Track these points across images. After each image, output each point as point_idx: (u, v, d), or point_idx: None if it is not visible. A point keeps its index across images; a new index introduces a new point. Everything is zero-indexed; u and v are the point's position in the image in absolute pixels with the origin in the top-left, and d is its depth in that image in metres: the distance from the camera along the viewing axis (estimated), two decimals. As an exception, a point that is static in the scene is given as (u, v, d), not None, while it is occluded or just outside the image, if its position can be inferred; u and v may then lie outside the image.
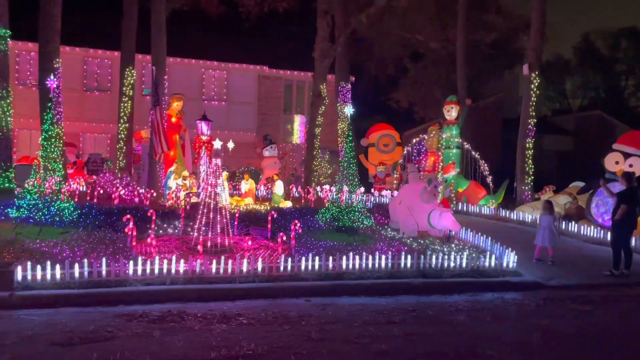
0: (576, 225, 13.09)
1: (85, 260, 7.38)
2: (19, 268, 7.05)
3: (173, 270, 7.62)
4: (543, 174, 21.03)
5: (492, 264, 8.99)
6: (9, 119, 12.87)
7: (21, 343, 5.30)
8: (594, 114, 34.19)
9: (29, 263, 7.19)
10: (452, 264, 8.79)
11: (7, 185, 12.48)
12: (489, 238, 10.19)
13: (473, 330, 6.28)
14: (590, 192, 13.66)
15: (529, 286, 8.52)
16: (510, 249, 9.26)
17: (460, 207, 16.73)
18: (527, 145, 17.59)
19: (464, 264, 8.84)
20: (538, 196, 16.66)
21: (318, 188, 17.10)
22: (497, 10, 27.88)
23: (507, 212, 15.49)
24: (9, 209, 9.89)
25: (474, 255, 9.16)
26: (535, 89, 17.61)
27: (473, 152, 18.05)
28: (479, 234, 10.65)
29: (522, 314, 7.12)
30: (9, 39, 12.98)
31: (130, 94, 17.43)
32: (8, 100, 12.78)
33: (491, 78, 30.04)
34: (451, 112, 18.86)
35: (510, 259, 9.09)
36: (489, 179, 17.64)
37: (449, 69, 26.74)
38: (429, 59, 29.71)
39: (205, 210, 9.31)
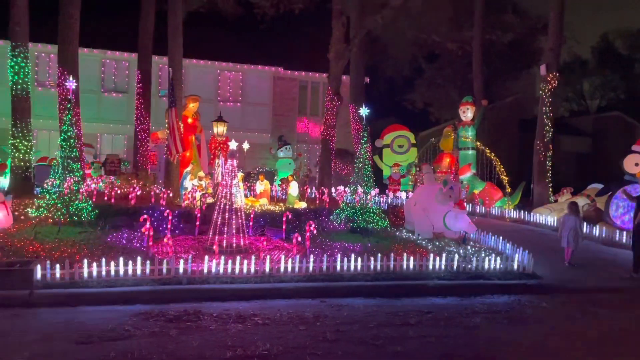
0: (594, 227, 12.91)
1: (103, 260, 7.47)
2: (39, 267, 7.16)
3: (189, 270, 7.68)
4: (560, 175, 20.77)
5: (509, 266, 8.90)
6: (29, 120, 13.12)
7: (41, 341, 5.38)
8: (613, 115, 33.67)
9: (48, 262, 7.30)
10: (468, 266, 8.73)
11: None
12: (505, 240, 10.10)
13: (490, 333, 6.22)
14: (609, 194, 13.46)
15: (547, 289, 8.42)
16: (527, 251, 9.16)
17: (476, 209, 16.60)
18: (545, 146, 17.40)
19: (479, 266, 8.77)
20: (555, 198, 16.47)
21: (332, 189, 17.10)
22: (514, 10, 27.64)
23: (524, 214, 15.33)
24: (28, 209, 10.06)
25: (490, 257, 9.07)
26: (552, 90, 17.41)
27: (489, 154, 17.90)
28: (495, 235, 10.56)
29: (540, 317, 7.03)
30: (28, 41, 13.23)
31: (147, 95, 17.59)
32: (28, 102, 13.03)
33: (508, 78, 29.75)
34: (467, 112, 18.72)
35: (527, 262, 8.99)
36: (506, 181, 17.48)
37: (465, 70, 26.58)
38: (444, 59, 29.54)
39: (220, 211, 9.37)
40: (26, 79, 13.17)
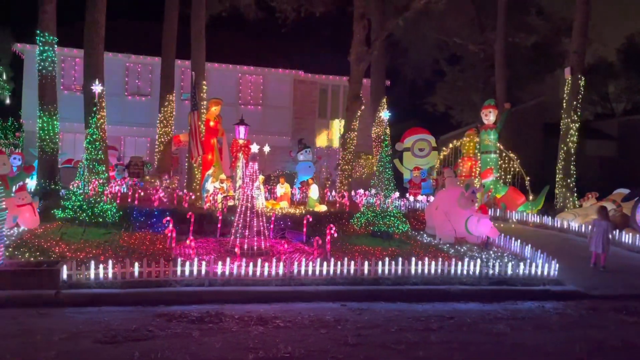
0: (621, 233, 12.65)
1: (127, 261, 7.58)
2: (65, 267, 7.30)
3: (211, 272, 7.74)
4: (585, 180, 20.36)
5: (532, 272, 8.78)
6: (55, 122, 13.39)
7: (67, 340, 5.48)
8: (639, 118, 32.96)
9: (74, 262, 7.44)
10: (490, 272, 8.64)
11: (53, 186, 12.98)
12: (529, 245, 9.95)
13: (513, 339, 6.14)
14: (635, 200, 13.18)
15: (571, 296, 8.28)
16: (551, 256, 9.02)
17: (498, 213, 16.40)
18: (569, 150, 17.11)
19: (502, 272, 8.66)
20: (580, 203, 16.18)
21: (352, 192, 17.07)
22: (538, 12, 27.25)
23: (548, 219, 15.09)
24: (55, 210, 10.26)
25: (513, 262, 8.95)
26: (577, 93, 17.13)
27: (512, 157, 17.68)
28: (518, 241, 10.42)
29: (564, 324, 6.91)
30: (55, 46, 13.53)
31: (170, 98, 17.82)
32: (55, 105, 13.31)
33: (531, 81, 29.32)
34: (489, 116, 18.52)
35: (551, 267, 8.85)
36: (529, 185, 17.24)
37: (487, 72, 26.29)
38: (466, 62, 29.28)
39: (242, 214, 9.43)
40: (53, 83, 13.45)
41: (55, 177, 13.38)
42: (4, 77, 29.61)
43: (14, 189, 10.02)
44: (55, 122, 13.40)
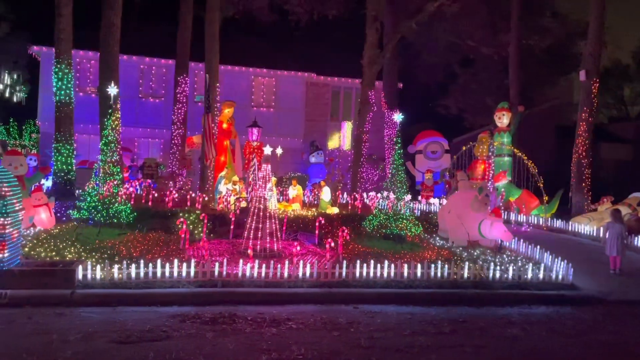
0: (636, 238, 12.48)
1: (142, 261, 7.64)
2: (80, 267, 7.39)
3: (224, 273, 7.78)
4: (600, 183, 20.14)
5: (547, 276, 8.70)
6: (71, 124, 13.57)
7: (82, 340, 5.54)
8: (655, 122, 32.57)
9: (89, 263, 7.53)
10: (504, 275, 8.58)
11: (68, 187, 13.14)
12: (543, 249, 9.87)
13: (527, 344, 6.09)
14: (652, 204, 13.00)
15: (586, 300, 8.19)
16: (565, 261, 8.94)
17: (511, 217, 16.28)
18: (583, 153, 16.95)
19: (516, 276, 8.60)
20: (595, 207, 15.99)
21: (364, 194, 17.06)
22: (552, 15, 27.03)
23: (562, 222, 14.95)
24: (70, 210, 10.38)
25: (526, 266, 8.89)
26: (592, 96, 16.97)
27: (525, 160, 17.54)
28: (532, 244, 10.34)
29: (580, 329, 6.84)
30: (72, 48, 13.70)
31: (184, 100, 17.96)
32: (71, 107, 13.48)
33: (545, 84, 29.08)
34: (503, 119, 18.41)
35: (566, 272, 8.77)
36: (542, 188, 17.08)
37: (500, 75, 26.14)
38: (479, 64, 29.10)
39: (254, 215, 9.47)
40: (69, 85, 13.63)
41: (70, 178, 13.53)
42: (21, 79, 30.03)
43: (30, 190, 10.16)
44: (70, 125, 13.56)
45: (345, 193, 17.76)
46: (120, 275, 7.46)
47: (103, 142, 10.59)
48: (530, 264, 9.03)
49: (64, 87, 13.43)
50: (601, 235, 12.56)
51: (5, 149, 18.92)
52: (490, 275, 8.53)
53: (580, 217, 15.25)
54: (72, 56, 13.84)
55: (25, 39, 27.34)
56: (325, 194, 14.59)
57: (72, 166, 13.60)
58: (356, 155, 19.51)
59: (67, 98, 13.45)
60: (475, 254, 10.08)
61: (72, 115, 13.60)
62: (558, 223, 15.06)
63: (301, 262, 8.26)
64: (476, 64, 29.58)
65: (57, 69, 13.48)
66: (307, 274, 8.05)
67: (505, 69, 23.41)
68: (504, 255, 10.06)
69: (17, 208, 7.36)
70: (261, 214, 9.55)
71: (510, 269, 8.69)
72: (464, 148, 19.03)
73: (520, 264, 9.19)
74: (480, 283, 8.34)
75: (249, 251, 8.95)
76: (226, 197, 12.87)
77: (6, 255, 7.06)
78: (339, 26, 26.77)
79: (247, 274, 7.87)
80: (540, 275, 8.68)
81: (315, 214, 12.97)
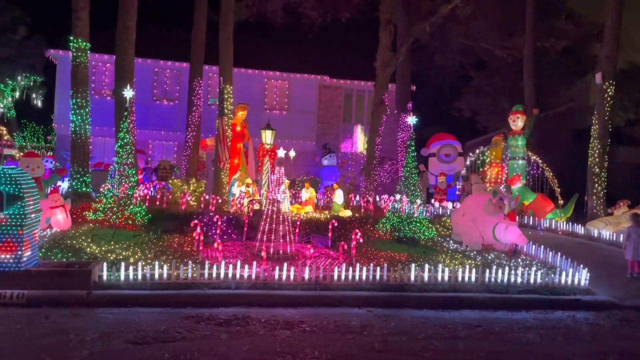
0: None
1: (156, 263, 7.70)
2: (96, 268, 7.46)
3: (238, 275, 7.82)
4: (616, 187, 19.91)
5: (562, 280, 8.61)
6: (87, 126, 13.72)
7: (99, 340, 5.60)
8: (673, 125, 32.02)
9: (104, 264, 7.60)
10: (519, 280, 8.50)
11: (84, 189, 13.27)
12: (558, 253, 9.77)
13: (543, 349, 6.03)
14: (670, 208, 12.81)
15: (603, 306, 8.09)
16: (581, 265, 8.84)
17: (526, 221, 16.13)
18: (599, 157, 16.74)
19: (531, 280, 8.52)
20: (611, 211, 15.79)
21: (377, 197, 17.03)
22: (568, 16, 26.79)
23: (577, 227, 14.78)
24: (86, 212, 10.49)
25: (542, 271, 8.80)
26: (608, 99, 16.78)
27: (540, 164, 17.39)
28: (547, 249, 10.23)
29: (596, 335, 6.76)
30: (88, 52, 13.88)
31: (198, 103, 18.07)
32: (87, 109, 13.63)
33: (561, 87, 28.81)
34: (517, 122, 18.28)
35: (582, 276, 8.67)
36: (558, 192, 16.92)
37: (514, 78, 25.96)
38: (493, 67, 28.95)
39: (268, 218, 9.50)
40: (85, 88, 13.78)
41: (86, 180, 13.67)
42: (38, 82, 30.43)
43: (47, 191, 10.29)
44: (87, 126, 13.71)
45: (358, 196, 17.74)
46: (135, 277, 7.52)
47: (118, 144, 10.69)
48: (546, 269, 8.94)
49: (80, 89, 13.58)
50: (621, 239, 12.42)
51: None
52: (505, 279, 8.46)
53: (596, 221, 15.06)
54: (88, 59, 14.00)
55: (42, 42, 27.73)
56: (338, 196, 14.58)
57: (87, 168, 13.74)
58: (369, 157, 19.47)
59: (83, 101, 13.60)
60: (490, 257, 10.00)
61: (88, 117, 13.75)
62: (574, 227, 14.89)
63: (314, 265, 8.25)
64: (490, 67, 29.44)
65: (73, 72, 13.64)
66: (321, 277, 8.04)
67: (519, 71, 23.25)
68: (519, 260, 9.97)
69: (35, 209, 7.46)
70: (274, 216, 9.58)
71: (525, 273, 8.61)
72: (477, 151, 18.92)
73: (535, 268, 9.10)
74: (495, 287, 8.27)
75: (263, 253, 8.98)
76: (239, 199, 12.92)
77: (28, 254, 7.17)
78: (352, 29, 26.81)
79: (261, 276, 7.89)
80: (556, 280, 8.59)
81: (328, 216, 12.97)
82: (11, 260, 7.04)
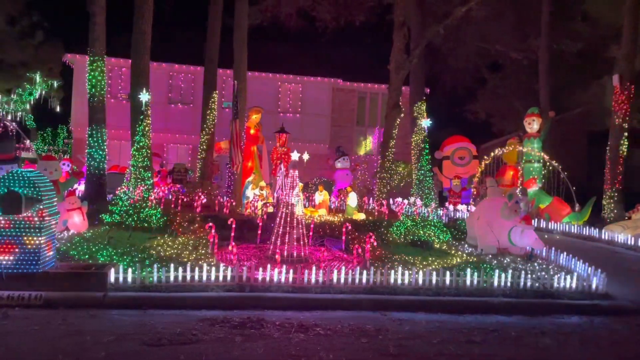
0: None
1: (171, 265, 7.75)
2: (112, 270, 7.53)
3: (252, 278, 7.83)
4: (634, 191, 19.61)
5: (579, 285, 8.50)
6: (103, 130, 13.88)
7: (115, 342, 5.64)
8: (692, 127, 31.47)
9: (120, 266, 7.67)
10: (535, 284, 8.41)
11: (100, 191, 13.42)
12: (575, 258, 9.65)
13: (561, 355, 5.96)
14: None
15: (621, 311, 7.96)
16: (599, 270, 8.71)
17: (542, 224, 15.97)
18: (617, 160, 16.53)
19: (548, 284, 8.42)
20: (629, 215, 15.57)
21: (391, 200, 16.97)
22: (584, 18, 26.51)
23: (594, 230, 14.59)
24: (103, 214, 10.60)
25: (558, 275, 8.69)
26: (625, 100, 16.56)
27: (556, 167, 17.21)
28: (564, 253, 10.11)
29: (615, 340, 6.66)
30: (105, 56, 14.05)
31: (212, 106, 18.19)
32: (103, 113, 13.78)
33: (577, 89, 28.52)
34: (532, 124, 18.13)
35: (600, 281, 8.54)
36: (574, 195, 16.72)
37: (529, 80, 25.75)
38: (508, 69, 28.75)
39: (281, 221, 9.52)
40: (102, 92, 13.95)
41: (102, 183, 13.83)
42: (55, 86, 30.88)
43: (64, 194, 10.42)
44: (103, 130, 13.87)
45: (371, 199, 17.71)
46: (150, 279, 7.58)
47: (135, 147, 10.81)
48: (562, 273, 8.84)
49: (97, 93, 13.76)
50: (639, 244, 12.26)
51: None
52: (521, 283, 8.37)
53: (613, 225, 14.87)
54: (105, 64, 14.17)
55: (59, 47, 28.15)
56: (352, 199, 14.58)
57: (104, 171, 13.89)
58: (383, 160, 19.42)
59: (100, 104, 13.76)
60: (505, 261, 9.91)
61: (104, 120, 13.91)
62: (590, 231, 14.71)
63: (328, 268, 8.25)
64: (505, 69, 29.25)
65: (90, 76, 13.82)
66: (335, 280, 8.03)
67: (534, 73, 23.06)
68: (535, 264, 9.87)
69: (53, 212, 7.56)
70: (288, 219, 9.59)
71: (542, 277, 8.51)
72: (492, 154, 18.78)
73: (552, 272, 9.00)
74: (511, 291, 8.19)
75: (277, 256, 8.99)
76: (253, 202, 12.97)
77: (46, 255, 7.26)
78: (366, 31, 26.80)
79: (275, 279, 7.91)
80: (573, 284, 8.48)
81: (342, 219, 12.96)
82: (29, 262, 7.13)
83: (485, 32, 26.06)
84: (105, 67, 14.17)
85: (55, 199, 7.83)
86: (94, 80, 13.79)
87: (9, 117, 29.20)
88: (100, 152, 13.88)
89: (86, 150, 14.16)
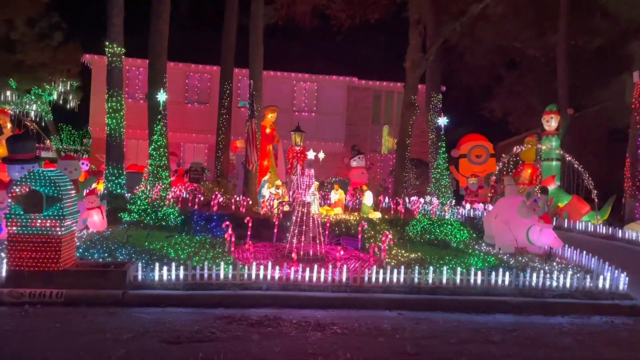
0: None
1: (189, 263, 7.82)
2: (131, 268, 7.62)
3: (269, 277, 7.87)
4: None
5: (600, 285, 8.38)
6: (122, 129, 14.03)
7: (134, 339, 5.71)
8: None
9: (139, 264, 7.76)
10: (554, 283, 8.32)
11: (119, 191, 13.57)
12: (595, 257, 9.51)
13: (581, 355, 5.88)
14: None
15: (643, 311, 7.84)
16: (619, 269, 8.58)
17: (561, 223, 15.76)
18: (637, 157, 16.24)
19: (567, 284, 8.33)
20: (650, 213, 15.30)
21: (407, 199, 16.91)
22: (603, 14, 26.05)
23: (615, 229, 14.36)
24: (121, 213, 10.73)
25: (578, 275, 8.58)
26: (647, 97, 16.26)
27: (575, 165, 16.97)
28: (583, 252, 9.97)
29: (636, 341, 6.56)
30: (122, 56, 14.20)
31: (228, 106, 18.27)
32: (122, 113, 13.94)
33: (596, 86, 28.07)
34: (551, 122, 17.90)
35: (621, 281, 8.42)
36: (594, 194, 16.48)
37: (547, 77, 25.40)
38: (525, 66, 28.40)
39: (297, 219, 9.54)
40: (120, 92, 14.10)
41: (121, 182, 13.98)
42: (74, 87, 31.31)
43: (84, 193, 10.57)
44: (121, 129, 14.02)
45: (387, 197, 17.65)
46: (168, 277, 7.65)
47: (152, 147, 10.91)
48: (582, 272, 8.72)
49: (115, 93, 13.91)
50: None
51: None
52: (540, 283, 8.29)
53: (634, 224, 14.61)
54: (123, 64, 14.32)
55: (78, 48, 28.52)
56: (368, 198, 14.54)
57: (122, 170, 14.05)
58: (399, 159, 19.35)
59: (118, 105, 13.91)
60: (523, 261, 9.81)
61: (122, 120, 14.06)
62: (610, 230, 14.48)
63: (344, 267, 8.25)
64: (522, 66, 28.89)
65: (108, 77, 13.98)
66: (351, 279, 8.03)
67: (552, 70, 22.74)
68: (554, 263, 9.75)
69: (73, 210, 7.68)
70: (304, 218, 9.61)
71: (561, 277, 8.41)
72: (511, 152, 18.58)
73: (571, 272, 8.89)
74: (529, 291, 8.11)
75: (293, 255, 9.02)
76: (269, 201, 13.01)
77: (66, 254, 7.37)
78: (381, 30, 26.70)
79: (292, 277, 7.93)
80: (593, 284, 8.37)
81: (358, 218, 12.94)
82: (50, 260, 7.25)
83: (502, 29, 25.73)
84: (122, 67, 14.30)
85: (76, 198, 7.94)
86: (112, 81, 13.93)
87: (29, 117, 29.69)
88: (118, 151, 14.03)
89: (105, 150, 14.33)
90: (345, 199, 15.90)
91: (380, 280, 8.10)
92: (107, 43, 13.88)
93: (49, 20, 29.24)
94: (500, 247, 10.70)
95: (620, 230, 14.17)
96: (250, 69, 15.44)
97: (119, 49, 13.99)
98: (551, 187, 16.66)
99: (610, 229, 14.56)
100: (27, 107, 30.04)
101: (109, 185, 13.68)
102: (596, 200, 16.03)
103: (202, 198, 13.75)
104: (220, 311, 6.91)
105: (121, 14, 14.01)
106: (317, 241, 9.56)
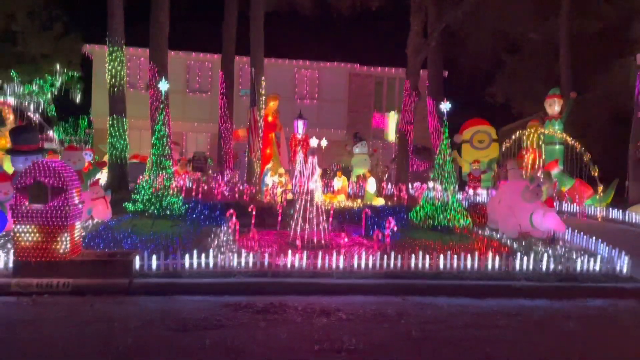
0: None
1: (195, 252, 7.86)
2: (137, 257, 7.67)
3: (274, 264, 7.91)
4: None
5: (603, 268, 8.40)
6: (124, 120, 14.03)
7: (141, 327, 5.77)
8: None
9: (145, 253, 7.80)
10: (557, 267, 8.34)
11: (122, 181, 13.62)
12: (598, 240, 9.53)
13: (585, 338, 5.92)
14: None
15: (647, 294, 7.86)
16: (623, 252, 8.60)
17: (564, 207, 15.76)
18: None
19: (571, 268, 8.35)
20: (653, 196, 15.28)
21: (410, 185, 16.90)
22: (605, -3, 25.78)
23: (618, 213, 14.36)
24: (126, 203, 10.78)
25: (581, 258, 8.61)
26: (650, 80, 16.18)
27: (578, 149, 16.93)
28: (587, 235, 9.99)
29: (640, 323, 6.60)
30: (123, 46, 14.16)
31: (230, 94, 18.25)
32: (123, 103, 13.93)
33: (598, 69, 27.87)
34: (553, 106, 17.83)
35: (624, 264, 8.44)
36: (597, 177, 16.45)
37: (549, 61, 25.24)
38: (527, 50, 28.19)
39: (301, 207, 9.57)
40: (122, 82, 14.09)
41: (124, 172, 14.04)
42: (75, 77, 31.24)
43: (88, 184, 10.60)
44: (124, 120, 14.03)
45: (390, 184, 17.65)
46: (174, 265, 7.70)
47: (155, 136, 10.92)
48: (586, 256, 8.74)
49: (116, 84, 13.90)
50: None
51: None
52: (544, 267, 8.31)
53: (637, 206, 14.61)
54: (124, 54, 14.28)
55: (79, 38, 28.43)
56: (370, 185, 14.55)
57: (126, 160, 14.09)
58: (401, 145, 19.32)
59: (120, 95, 13.92)
60: (527, 245, 9.83)
61: (125, 110, 14.07)
62: (614, 213, 14.48)
63: (348, 253, 8.29)
64: (524, 50, 28.67)
65: (110, 67, 13.96)
66: (355, 265, 8.07)
67: (554, 54, 22.61)
68: (557, 247, 9.77)
69: (78, 201, 7.71)
70: (308, 205, 9.64)
71: (564, 260, 8.43)
72: (513, 137, 18.53)
73: (574, 255, 8.91)
74: (533, 275, 8.14)
75: (297, 242, 9.05)
76: (272, 189, 13.04)
77: (72, 244, 7.42)
78: (382, 16, 26.50)
79: (296, 264, 7.97)
80: (597, 268, 8.40)
81: (361, 205, 12.96)
82: (57, 251, 7.30)
83: (503, 14, 25.51)
84: (124, 57, 14.27)
85: (80, 188, 7.97)
86: (113, 71, 13.92)
87: (32, 108, 29.67)
88: (122, 142, 14.08)
89: (107, 140, 14.36)
90: (349, 186, 15.92)
91: (385, 266, 8.14)
92: (107, 34, 13.84)
93: (49, 11, 29.11)
94: (504, 231, 10.73)
95: (623, 214, 14.18)
96: (251, 57, 15.40)
97: (120, 39, 13.95)
98: (554, 171, 16.63)
99: (613, 212, 14.57)
100: (29, 98, 30.01)
101: (113, 175, 13.70)
102: (599, 184, 16.00)
103: (205, 187, 13.79)
104: (225, 299, 6.96)
105: (121, 4, 13.97)
106: (321, 228, 9.59)
